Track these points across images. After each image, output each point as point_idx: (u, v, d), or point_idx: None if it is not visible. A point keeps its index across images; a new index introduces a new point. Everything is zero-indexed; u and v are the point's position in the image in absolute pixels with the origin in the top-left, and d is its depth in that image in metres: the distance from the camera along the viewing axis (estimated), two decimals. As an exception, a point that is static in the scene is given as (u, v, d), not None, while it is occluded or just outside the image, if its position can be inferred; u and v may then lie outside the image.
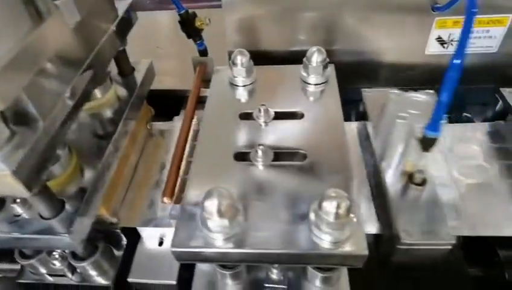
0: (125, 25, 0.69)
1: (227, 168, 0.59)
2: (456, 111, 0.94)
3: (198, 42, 0.85)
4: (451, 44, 0.79)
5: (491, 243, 0.71)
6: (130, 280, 0.62)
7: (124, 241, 0.67)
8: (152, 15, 1.17)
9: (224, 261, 0.54)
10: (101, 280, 0.64)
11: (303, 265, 0.58)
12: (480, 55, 0.81)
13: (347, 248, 0.48)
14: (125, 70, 0.76)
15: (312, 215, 0.49)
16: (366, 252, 0.48)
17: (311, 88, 0.73)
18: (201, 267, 0.63)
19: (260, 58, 0.79)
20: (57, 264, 0.64)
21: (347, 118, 0.79)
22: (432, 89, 0.76)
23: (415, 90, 0.80)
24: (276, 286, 0.60)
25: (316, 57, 0.71)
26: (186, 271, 0.65)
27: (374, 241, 0.65)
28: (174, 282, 0.60)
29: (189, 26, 0.82)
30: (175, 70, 1.03)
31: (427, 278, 0.62)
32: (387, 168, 0.63)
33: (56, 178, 0.56)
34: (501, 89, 0.76)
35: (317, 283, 0.59)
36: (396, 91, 0.63)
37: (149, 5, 1.16)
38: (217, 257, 0.51)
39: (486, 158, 0.72)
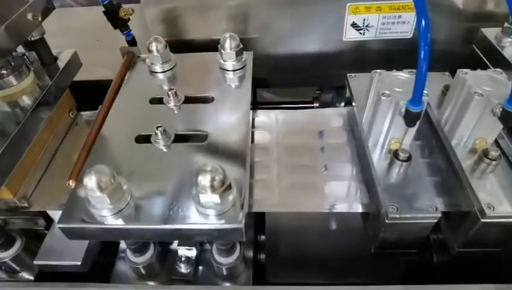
0: (38, 10, 0.70)
1: (127, 150, 0.61)
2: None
3: (125, 32, 0.86)
4: (367, 30, 0.81)
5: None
6: (36, 262, 0.63)
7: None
8: (97, 9, 1.18)
9: (113, 238, 0.56)
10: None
11: (186, 240, 0.59)
12: (397, 41, 0.83)
13: (222, 222, 0.49)
14: (46, 60, 0.77)
15: (193, 190, 0.51)
16: (241, 225, 0.49)
17: (226, 74, 0.75)
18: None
19: (183, 46, 0.81)
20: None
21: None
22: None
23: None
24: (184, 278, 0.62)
25: (228, 43, 0.73)
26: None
27: (364, 219, 0.68)
28: (78, 263, 0.61)
29: (114, 17, 0.83)
30: (113, 61, 1.03)
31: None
32: (374, 147, 0.65)
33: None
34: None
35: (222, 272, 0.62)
36: (379, 71, 0.64)
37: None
38: (102, 233, 0.52)
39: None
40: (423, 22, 0.47)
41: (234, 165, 0.56)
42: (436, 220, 0.56)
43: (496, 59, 0.72)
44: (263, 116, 0.81)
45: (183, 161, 0.58)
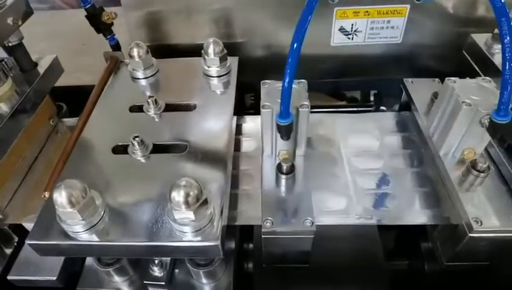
0: (18, 14, 0.68)
1: (104, 162, 0.59)
2: (375, 105, 0.95)
3: (109, 37, 0.84)
4: (356, 35, 0.79)
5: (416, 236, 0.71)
6: (9, 277, 0.60)
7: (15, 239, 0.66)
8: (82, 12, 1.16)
9: (86, 255, 0.54)
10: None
11: (162, 257, 0.58)
12: (387, 46, 0.81)
13: (198, 239, 0.47)
14: (25, 65, 0.74)
15: (168, 206, 0.49)
16: (217, 242, 0.47)
17: (210, 80, 0.73)
18: (89, 263, 0.63)
19: (166, 51, 0.79)
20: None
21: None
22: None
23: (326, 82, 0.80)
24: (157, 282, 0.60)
25: (212, 48, 0.71)
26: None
27: (430, 230, 0.65)
28: (54, 278, 0.59)
29: (96, 21, 0.81)
30: (98, 66, 1.01)
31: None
32: (445, 156, 0.62)
33: None
34: (404, 80, 0.76)
35: (197, 277, 0.59)
36: (453, 78, 0.60)
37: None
38: (74, 250, 0.50)
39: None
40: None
41: (214, 177, 0.55)
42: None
43: (486, 66, 0.70)
44: (251, 123, 0.79)
45: (161, 172, 0.56)
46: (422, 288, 0.76)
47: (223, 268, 0.62)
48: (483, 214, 0.54)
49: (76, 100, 0.85)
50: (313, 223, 0.54)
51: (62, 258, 0.62)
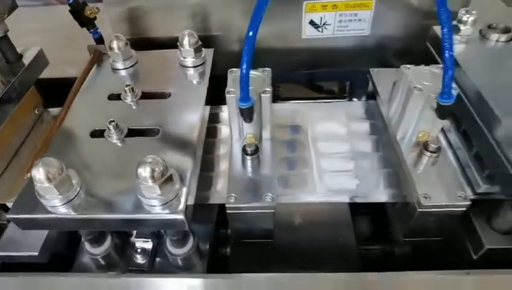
0: (4, 7, 0.72)
1: (82, 145, 0.63)
2: (349, 96, 0.99)
3: (92, 31, 0.88)
4: (325, 27, 0.83)
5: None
6: (-7, 254, 0.65)
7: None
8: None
9: (64, 228, 0.58)
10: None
11: (134, 229, 0.64)
12: (355, 38, 0.85)
13: (165, 212, 0.52)
14: (10, 57, 0.78)
15: (136, 181, 0.53)
16: (181, 215, 0.51)
17: (186, 70, 0.77)
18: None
19: (146, 44, 0.83)
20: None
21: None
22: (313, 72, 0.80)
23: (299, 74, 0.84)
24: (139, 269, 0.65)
25: (187, 40, 0.75)
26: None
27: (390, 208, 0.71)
28: (35, 253, 0.63)
29: (80, 15, 0.85)
30: (82, 60, 1.05)
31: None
32: (402, 140, 0.66)
33: None
34: (370, 70, 0.80)
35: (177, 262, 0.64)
36: (408, 66, 0.65)
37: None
38: (52, 223, 0.54)
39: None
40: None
41: (182, 158, 0.59)
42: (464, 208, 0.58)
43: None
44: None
45: (134, 154, 0.60)
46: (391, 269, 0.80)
47: (198, 256, 0.67)
48: (432, 191, 0.58)
49: (62, 91, 0.89)
50: (273, 199, 0.58)
51: (44, 237, 0.66)
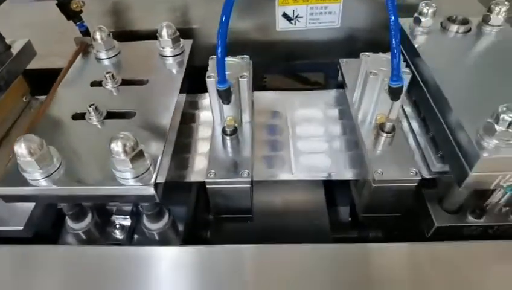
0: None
1: (64, 127, 0.68)
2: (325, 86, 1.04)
3: (78, 23, 0.93)
4: (298, 20, 0.88)
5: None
6: (-18, 229, 0.69)
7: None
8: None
9: (44, 200, 0.62)
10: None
11: (109, 201, 0.69)
12: (327, 30, 0.90)
13: (136, 184, 0.56)
14: (-2, 47, 0.83)
15: (111, 156, 0.57)
16: (151, 188, 0.56)
17: (165, 60, 0.82)
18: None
19: (129, 37, 0.88)
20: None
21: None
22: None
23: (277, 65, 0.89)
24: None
25: (165, 31, 0.80)
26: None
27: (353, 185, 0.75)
28: (20, 227, 0.68)
29: (66, 9, 0.90)
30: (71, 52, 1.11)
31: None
32: (363, 123, 0.71)
33: None
34: (340, 60, 0.85)
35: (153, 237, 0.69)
36: (367, 53, 0.70)
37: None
38: (33, 195, 0.59)
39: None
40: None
41: (155, 138, 0.64)
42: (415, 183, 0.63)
43: (408, 46, 0.79)
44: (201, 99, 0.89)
45: (111, 134, 0.64)
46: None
47: (173, 232, 0.71)
48: (386, 168, 0.63)
49: (50, 81, 0.94)
50: (249, 174, 0.63)
51: (29, 213, 0.70)
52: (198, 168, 0.73)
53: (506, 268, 0.58)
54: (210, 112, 0.84)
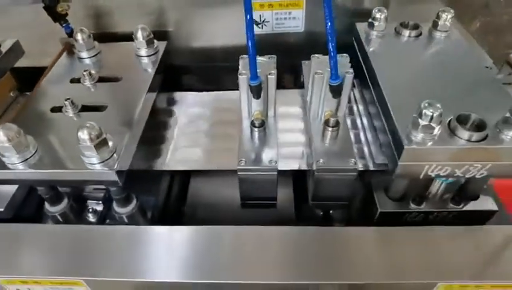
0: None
1: (42, 119, 0.75)
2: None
3: (64, 25, 1.01)
4: (265, 25, 0.95)
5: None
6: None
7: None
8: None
9: (22, 183, 0.70)
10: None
11: (76, 184, 0.75)
12: (292, 34, 0.97)
13: (100, 168, 0.64)
14: (-13, 47, 0.91)
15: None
16: (113, 175, 0.63)
17: (140, 59, 0.90)
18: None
19: (110, 38, 0.96)
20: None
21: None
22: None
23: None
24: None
25: (140, 33, 0.88)
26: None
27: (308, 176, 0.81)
28: (1, 209, 0.75)
29: (52, 12, 0.98)
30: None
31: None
32: (314, 120, 0.78)
33: None
34: (302, 62, 0.92)
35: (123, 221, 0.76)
36: (317, 55, 0.75)
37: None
38: (10, 177, 0.66)
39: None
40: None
41: (122, 128, 0.71)
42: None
43: (362, 50, 0.86)
44: (178, 97, 0.97)
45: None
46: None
47: (141, 216, 0.79)
48: (328, 159, 0.70)
49: (37, 78, 1.02)
50: (276, 162, 0.70)
51: (10, 195, 0.78)
52: (165, 159, 0.81)
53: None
54: (185, 107, 0.93)
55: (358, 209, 0.83)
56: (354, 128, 0.85)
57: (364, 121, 0.84)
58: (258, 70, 0.70)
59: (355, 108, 0.90)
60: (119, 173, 0.65)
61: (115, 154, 0.66)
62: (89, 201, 0.81)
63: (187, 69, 1.05)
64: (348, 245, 0.67)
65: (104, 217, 0.81)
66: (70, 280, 0.64)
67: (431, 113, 0.59)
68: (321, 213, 0.97)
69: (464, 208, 0.74)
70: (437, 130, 0.61)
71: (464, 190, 0.74)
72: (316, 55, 0.77)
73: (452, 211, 0.74)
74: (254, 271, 0.64)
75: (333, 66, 0.65)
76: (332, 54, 0.64)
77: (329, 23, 0.63)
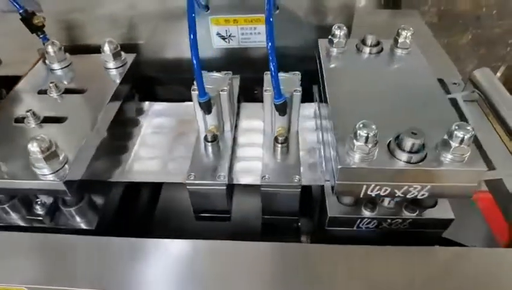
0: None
1: (5, 129, 0.79)
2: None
3: (41, 36, 1.05)
4: (231, 39, 0.97)
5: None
6: None
7: None
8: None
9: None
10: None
11: (30, 193, 0.77)
12: (259, 49, 0.99)
13: (50, 179, 0.67)
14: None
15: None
16: (62, 186, 0.66)
17: (109, 71, 0.93)
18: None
19: (81, 50, 0.99)
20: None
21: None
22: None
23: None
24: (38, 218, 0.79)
25: (107, 46, 0.91)
26: None
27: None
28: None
29: (29, 23, 1.02)
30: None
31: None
32: (268, 134, 0.82)
33: None
34: (264, 74, 0.93)
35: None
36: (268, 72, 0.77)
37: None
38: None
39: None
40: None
41: (75, 140, 0.74)
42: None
43: (319, 65, 0.87)
44: (147, 106, 1.00)
45: (44, 134, 0.75)
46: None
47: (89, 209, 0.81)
48: (273, 174, 0.72)
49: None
50: (225, 177, 0.72)
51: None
52: (126, 170, 0.84)
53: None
54: (151, 118, 0.96)
55: (316, 215, 0.83)
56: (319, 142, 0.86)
57: (325, 137, 0.85)
58: (211, 87, 0.72)
59: (324, 123, 0.91)
60: (67, 183, 0.67)
61: (66, 165, 0.69)
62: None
63: (158, 80, 1.08)
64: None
65: (54, 211, 0.80)
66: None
67: (365, 134, 0.60)
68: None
69: (419, 216, 0.73)
70: (372, 151, 0.62)
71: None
72: (268, 72, 0.78)
73: (407, 219, 0.74)
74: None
75: (275, 85, 0.67)
76: (273, 73, 0.66)
77: (269, 43, 0.65)
